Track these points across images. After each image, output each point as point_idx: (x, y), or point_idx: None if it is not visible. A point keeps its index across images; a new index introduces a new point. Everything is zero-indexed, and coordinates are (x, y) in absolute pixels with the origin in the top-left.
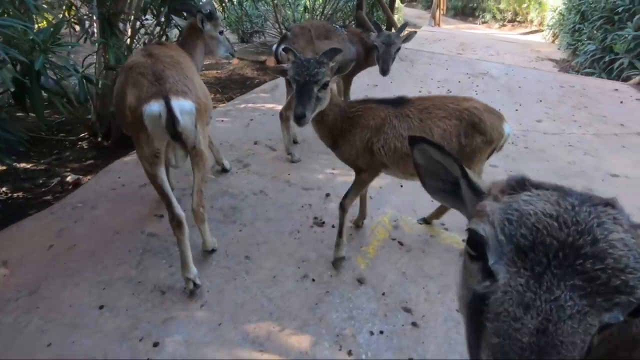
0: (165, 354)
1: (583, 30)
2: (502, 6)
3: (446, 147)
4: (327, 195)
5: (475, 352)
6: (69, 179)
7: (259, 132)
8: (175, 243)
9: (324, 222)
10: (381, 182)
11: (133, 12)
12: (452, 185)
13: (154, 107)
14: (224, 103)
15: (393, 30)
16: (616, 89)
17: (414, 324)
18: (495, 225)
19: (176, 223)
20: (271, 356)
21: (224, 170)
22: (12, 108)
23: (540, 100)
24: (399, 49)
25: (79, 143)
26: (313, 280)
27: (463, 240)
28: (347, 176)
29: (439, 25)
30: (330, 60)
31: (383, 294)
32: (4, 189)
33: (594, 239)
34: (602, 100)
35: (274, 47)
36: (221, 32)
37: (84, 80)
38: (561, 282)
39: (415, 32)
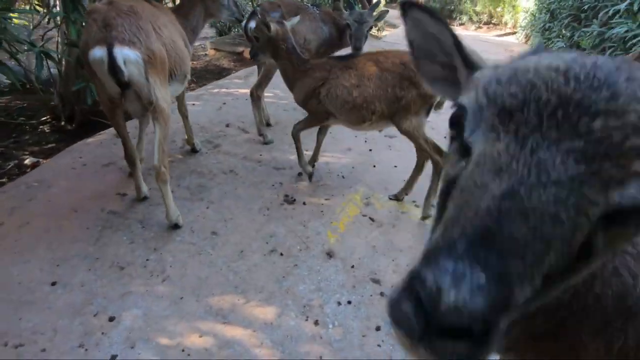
0: (122, 328)
1: (553, 29)
2: (478, 9)
3: (382, 97)
4: (299, 174)
5: (428, 241)
6: (27, 161)
7: (231, 115)
8: (137, 220)
9: (294, 200)
10: (354, 161)
11: None
12: (451, 71)
13: (97, 53)
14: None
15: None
16: None
17: (382, 294)
18: (478, 88)
19: (130, 161)
20: (234, 327)
21: (194, 151)
22: None
23: None
24: (372, 27)
25: (41, 127)
26: (281, 254)
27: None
28: (321, 156)
29: None
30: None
31: (352, 266)
32: None
33: (614, 94)
34: None
35: (244, 23)
36: None
37: (43, 56)
38: (553, 145)
39: (387, 10)
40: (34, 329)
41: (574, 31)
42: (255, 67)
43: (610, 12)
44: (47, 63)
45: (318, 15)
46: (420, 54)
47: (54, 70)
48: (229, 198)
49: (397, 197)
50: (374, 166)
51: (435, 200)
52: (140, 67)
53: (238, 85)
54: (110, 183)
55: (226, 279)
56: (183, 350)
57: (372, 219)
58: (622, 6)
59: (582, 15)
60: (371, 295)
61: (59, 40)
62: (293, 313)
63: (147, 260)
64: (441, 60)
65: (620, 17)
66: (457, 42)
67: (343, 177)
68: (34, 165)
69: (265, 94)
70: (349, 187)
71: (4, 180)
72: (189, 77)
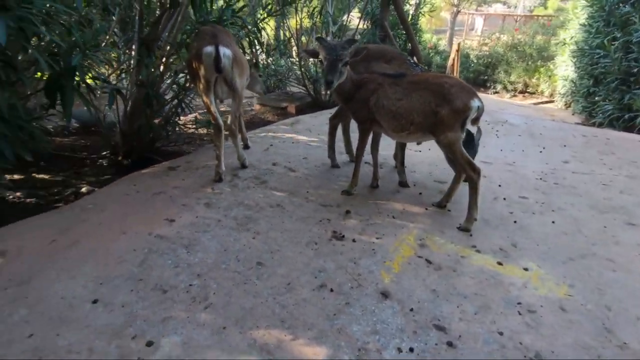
0: (160, 354)
1: (598, 93)
2: (512, 78)
3: (420, 110)
4: (347, 212)
5: None
6: (83, 189)
7: (279, 156)
8: (183, 245)
9: (343, 236)
10: (405, 204)
11: (170, 41)
12: None
13: (208, 49)
14: None
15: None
16: None
17: (449, 344)
18: None
19: (217, 129)
20: None
21: (243, 166)
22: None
23: (565, 145)
24: None
25: (100, 161)
26: (331, 290)
27: (498, 263)
28: (367, 197)
29: None
30: (350, 48)
31: (411, 309)
32: (17, 193)
33: None
34: (628, 148)
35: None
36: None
37: (115, 93)
38: None
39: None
40: (70, 348)
41: (623, 94)
42: (301, 116)
43: None
44: (116, 104)
45: (418, 70)
46: None
47: (114, 116)
48: (275, 230)
49: (439, 205)
50: (426, 209)
51: (476, 215)
52: (230, 60)
53: (285, 130)
54: (160, 209)
55: (272, 312)
56: None
57: (429, 261)
58: None
59: (631, 78)
60: (436, 344)
61: (129, 79)
62: (347, 356)
63: (190, 285)
64: None
65: None
66: None
67: (394, 217)
68: (88, 193)
69: (313, 139)
70: (401, 228)
71: (60, 205)
72: (249, 80)
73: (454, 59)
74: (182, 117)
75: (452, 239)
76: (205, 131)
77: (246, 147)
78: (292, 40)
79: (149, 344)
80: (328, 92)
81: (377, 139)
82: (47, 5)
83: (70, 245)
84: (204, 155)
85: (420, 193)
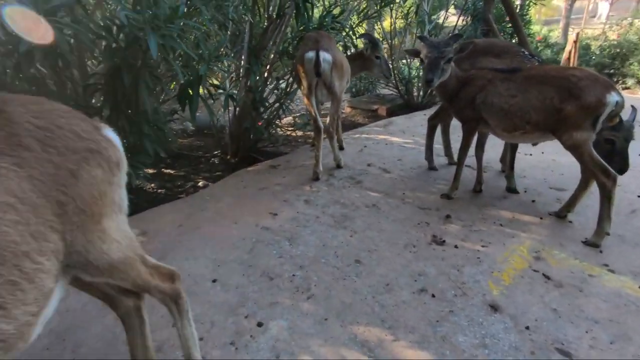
0: (269, 335)
1: None
2: None
3: (539, 107)
4: (448, 216)
5: None
6: (200, 184)
7: (373, 157)
8: (285, 237)
9: (444, 241)
10: (514, 212)
11: (274, 49)
12: None
13: (310, 54)
14: None
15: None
16: None
17: None
18: None
19: (317, 130)
20: None
21: (339, 167)
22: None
23: None
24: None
25: (212, 159)
26: (433, 295)
27: None
28: (469, 202)
29: None
30: (454, 44)
31: (527, 327)
32: (152, 185)
33: None
34: None
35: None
36: (378, 57)
37: (229, 98)
38: None
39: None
40: (197, 318)
41: None
42: (393, 118)
43: None
44: (228, 108)
45: (534, 62)
46: None
47: (224, 120)
48: (372, 230)
49: (558, 214)
50: (541, 218)
51: (608, 228)
52: (329, 64)
53: (378, 132)
54: (264, 203)
55: (372, 310)
56: None
57: (546, 277)
58: None
59: None
60: None
61: (239, 85)
62: None
63: (293, 275)
64: None
65: None
66: None
67: (501, 225)
68: (204, 186)
69: (408, 141)
70: (510, 237)
71: (182, 195)
72: (349, 83)
73: (570, 52)
74: (280, 120)
75: (576, 254)
76: (301, 133)
77: (341, 148)
78: (384, 42)
79: (259, 324)
80: (429, 91)
81: (482, 140)
82: (182, 23)
83: (194, 229)
84: (301, 155)
85: (533, 200)
